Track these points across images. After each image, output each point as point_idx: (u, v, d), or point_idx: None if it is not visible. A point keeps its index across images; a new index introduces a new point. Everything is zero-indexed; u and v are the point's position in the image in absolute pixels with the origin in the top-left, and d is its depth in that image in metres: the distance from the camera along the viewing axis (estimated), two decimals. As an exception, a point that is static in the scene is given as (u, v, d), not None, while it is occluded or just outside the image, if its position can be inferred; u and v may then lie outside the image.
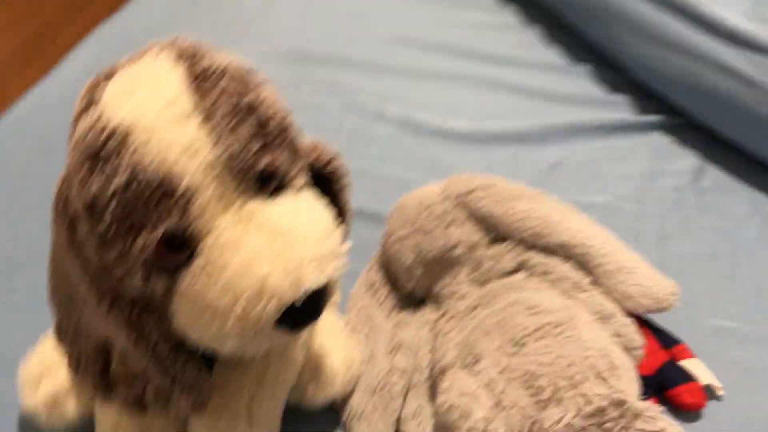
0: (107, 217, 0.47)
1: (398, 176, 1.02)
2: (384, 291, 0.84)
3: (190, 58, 0.50)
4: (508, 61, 1.23)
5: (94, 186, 0.46)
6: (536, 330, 0.66)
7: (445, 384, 0.67)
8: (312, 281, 0.49)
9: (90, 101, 0.49)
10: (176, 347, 0.55)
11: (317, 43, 1.30)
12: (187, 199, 0.47)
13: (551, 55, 1.25)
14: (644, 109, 1.11)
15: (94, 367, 0.60)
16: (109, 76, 0.50)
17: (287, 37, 1.32)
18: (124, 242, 0.47)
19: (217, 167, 0.48)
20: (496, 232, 0.80)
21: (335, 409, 0.74)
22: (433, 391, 0.74)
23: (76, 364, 0.60)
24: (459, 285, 0.78)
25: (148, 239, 0.47)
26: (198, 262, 0.49)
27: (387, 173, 1.03)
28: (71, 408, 0.70)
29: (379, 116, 1.13)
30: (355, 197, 0.99)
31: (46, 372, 0.70)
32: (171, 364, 0.55)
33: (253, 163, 0.49)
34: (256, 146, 0.50)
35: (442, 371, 0.71)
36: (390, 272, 0.84)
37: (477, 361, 0.68)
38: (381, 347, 0.78)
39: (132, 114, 0.47)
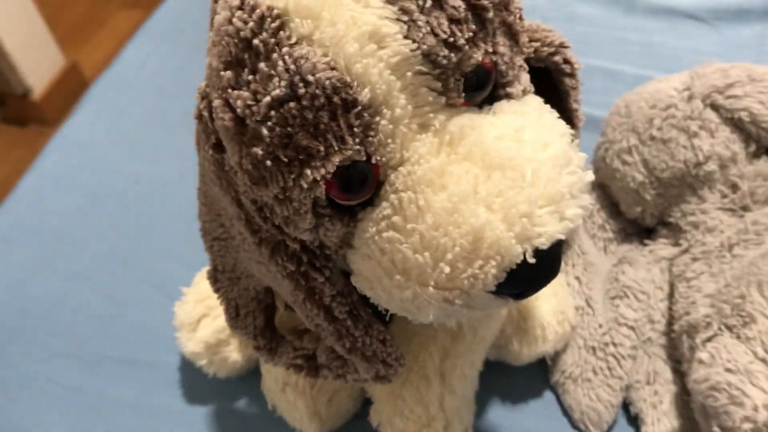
0: (263, 141, 0.33)
1: (604, 67, 0.87)
2: (599, 217, 0.66)
3: None
4: None
5: (244, 96, 0.32)
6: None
7: (704, 354, 0.50)
8: (548, 233, 0.33)
9: None
10: (355, 310, 0.42)
11: None
12: (370, 115, 0.32)
13: None
14: None
15: (253, 322, 0.49)
16: None
17: None
18: (285, 176, 0.34)
19: (411, 67, 0.33)
20: (761, 142, 0.60)
21: (544, 365, 0.60)
22: (670, 351, 0.58)
23: (233, 317, 0.49)
24: (707, 213, 0.60)
25: (318, 173, 0.33)
26: (386, 204, 0.35)
27: (590, 63, 0.86)
28: (235, 354, 0.60)
29: (580, -9, 0.96)
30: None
31: (205, 314, 0.60)
32: (348, 332, 0.42)
33: (462, 58, 0.33)
34: (466, 33, 0.33)
35: (692, 331, 0.54)
36: (608, 193, 0.67)
37: (748, 322, 0.50)
38: (600, 291, 0.61)
39: None
